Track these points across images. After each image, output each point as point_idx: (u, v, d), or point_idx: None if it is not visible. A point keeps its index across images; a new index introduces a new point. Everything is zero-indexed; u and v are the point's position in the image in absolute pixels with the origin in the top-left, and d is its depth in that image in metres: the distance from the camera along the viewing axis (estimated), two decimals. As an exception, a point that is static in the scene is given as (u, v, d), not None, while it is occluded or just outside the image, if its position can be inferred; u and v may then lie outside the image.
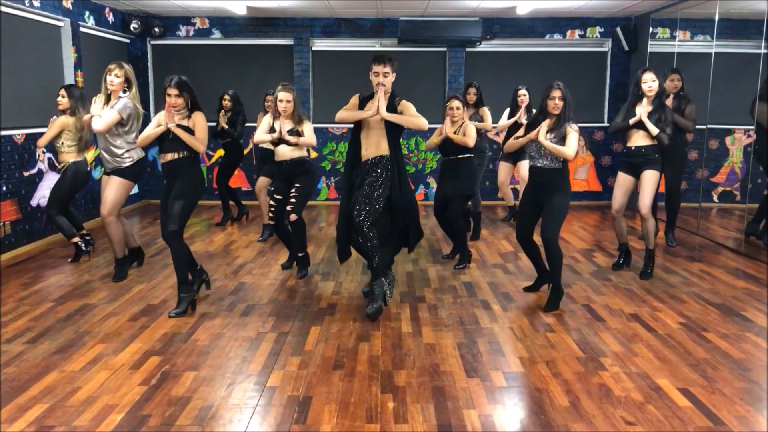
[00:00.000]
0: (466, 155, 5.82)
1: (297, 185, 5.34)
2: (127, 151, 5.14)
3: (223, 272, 5.54)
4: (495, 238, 7.03)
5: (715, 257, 6.20)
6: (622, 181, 5.48)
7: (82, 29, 7.57)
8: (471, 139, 5.73)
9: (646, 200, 5.36)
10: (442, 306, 4.64)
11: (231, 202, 8.16)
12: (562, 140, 4.54)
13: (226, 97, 7.65)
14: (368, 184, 4.51)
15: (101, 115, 5.04)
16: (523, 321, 4.33)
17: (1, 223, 6.04)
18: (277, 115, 5.35)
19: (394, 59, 4.60)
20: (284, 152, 5.37)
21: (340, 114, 4.68)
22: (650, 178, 5.33)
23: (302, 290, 5.04)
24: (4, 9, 6.13)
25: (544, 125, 4.55)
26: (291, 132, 5.28)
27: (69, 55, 7.29)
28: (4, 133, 6.07)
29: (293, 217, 5.30)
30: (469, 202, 6.34)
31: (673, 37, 9.03)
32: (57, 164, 5.97)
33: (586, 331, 4.13)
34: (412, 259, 6.03)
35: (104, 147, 5.12)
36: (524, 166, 7.80)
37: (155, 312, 4.49)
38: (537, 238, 4.79)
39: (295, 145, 5.28)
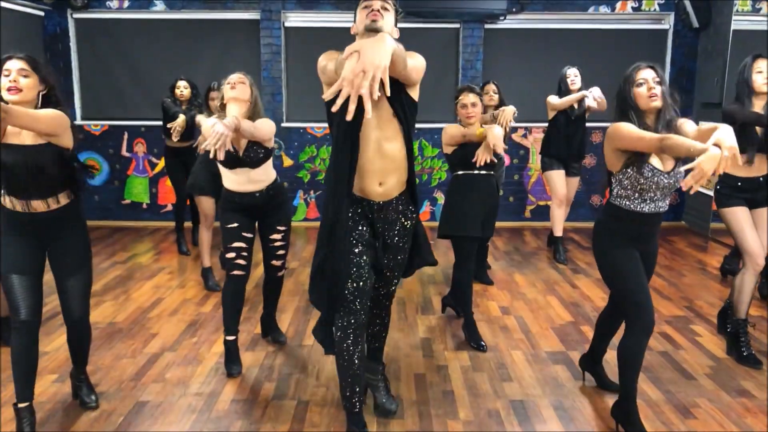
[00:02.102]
0: (491, 171, 3.99)
1: (280, 229, 3.62)
2: None
3: (119, 375, 3.42)
4: (538, 292, 4.91)
5: None
6: (747, 216, 3.67)
7: (-45, -7, 5.41)
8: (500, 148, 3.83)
9: (766, 244, 3.69)
10: (487, 480, 2.54)
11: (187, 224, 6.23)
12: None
13: (181, 84, 5.66)
14: (403, 247, 2.83)
15: None
16: None
17: None
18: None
19: (397, 7, 2.70)
20: (246, 182, 3.47)
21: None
22: None
23: (238, 425, 2.92)
24: None
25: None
26: (251, 151, 3.42)
27: (-66, 30, 5.13)
28: None
29: (282, 273, 3.79)
30: None
31: (756, 10, 6.93)
32: None
33: None
34: (421, 342, 3.91)
35: None
36: (573, 182, 5.85)
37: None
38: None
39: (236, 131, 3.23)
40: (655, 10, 7.14)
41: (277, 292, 3.84)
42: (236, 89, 3.39)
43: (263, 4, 7.00)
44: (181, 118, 5.25)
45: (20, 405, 2.72)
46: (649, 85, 2.65)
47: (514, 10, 6.99)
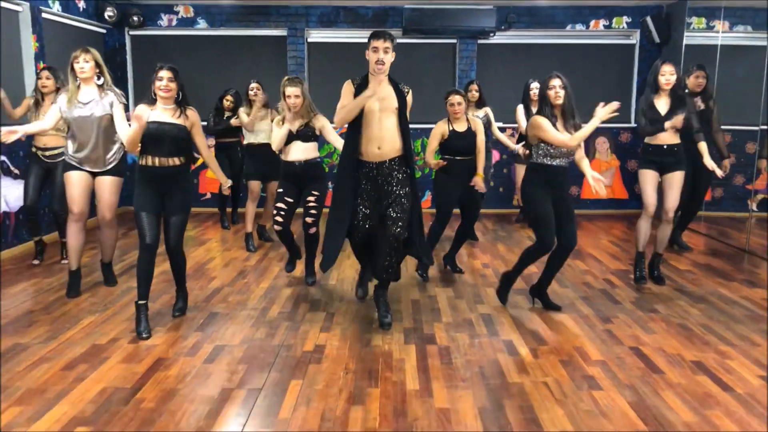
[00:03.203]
0: (471, 156, 5.17)
1: (315, 193, 4.89)
2: (118, 141, 4.71)
3: (193, 299, 4.63)
4: (513, 255, 6.10)
5: (774, 280, 5.29)
6: (651, 178, 5.00)
7: (45, 15, 6.68)
8: (481, 140, 5.22)
9: (672, 203, 5.01)
10: (457, 350, 3.73)
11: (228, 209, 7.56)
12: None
13: (228, 97, 6.96)
14: (405, 195, 4.00)
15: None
16: (560, 372, 3.42)
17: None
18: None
19: (394, 37, 3.95)
20: (296, 152, 4.83)
21: (340, 114, 3.97)
22: (679, 179, 4.96)
23: (285, 325, 4.14)
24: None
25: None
26: (305, 129, 4.83)
27: (29, 45, 6.40)
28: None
29: (313, 230, 4.93)
30: None
31: (710, 28, 8.12)
32: (36, 150, 5.51)
33: (643, 390, 3.21)
34: (418, 283, 5.12)
35: (96, 146, 4.61)
36: None
37: (99, 356, 3.59)
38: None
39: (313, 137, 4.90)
40: (623, 27, 8.36)
41: (312, 246, 5.05)
42: (296, 107, 4.77)
43: (289, 23, 8.28)
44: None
45: (140, 302, 3.95)
46: (556, 90, 4.08)
47: (503, 27, 8.23)
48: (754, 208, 8.38)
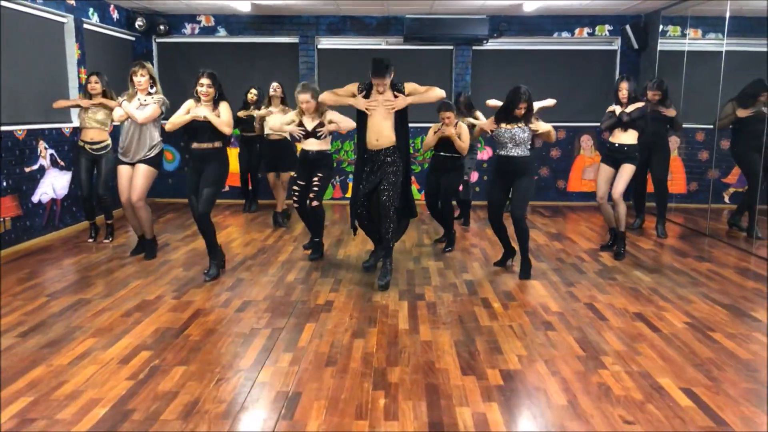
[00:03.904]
0: (457, 154, 6.14)
1: (319, 174, 5.74)
2: (158, 141, 5.65)
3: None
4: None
5: (724, 257, 6.06)
6: (604, 171, 6.08)
7: (86, 26, 7.53)
8: (465, 144, 6.08)
9: (619, 187, 5.95)
10: (442, 304, 4.54)
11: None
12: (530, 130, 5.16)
13: (252, 92, 7.96)
14: (392, 172, 4.95)
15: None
16: (523, 319, 4.22)
17: (1, 219, 6.00)
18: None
19: (390, 64, 4.87)
20: (311, 144, 5.76)
21: (331, 97, 5.08)
22: (627, 170, 5.92)
23: (300, 287, 4.96)
24: (5, 4, 6.11)
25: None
26: (318, 127, 5.69)
27: (72, 52, 7.25)
28: (4, 128, 6.03)
29: (315, 203, 5.67)
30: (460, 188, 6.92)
31: (683, 35, 8.89)
32: (84, 143, 6.25)
33: (588, 330, 4.01)
34: (413, 258, 5.93)
35: (137, 138, 5.56)
36: None
37: (149, 308, 4.42)
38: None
39: (329, 133, 5.75)
40: (605, 35, 9.15)
41: (315, 221, 5.84)
42: (309, 110, 5.67)
43: (301, 31, 9.11)
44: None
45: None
46: (521, 111, 4.98)
47: (495, 35, 9.02)
48: (727, 200, 9.20)
